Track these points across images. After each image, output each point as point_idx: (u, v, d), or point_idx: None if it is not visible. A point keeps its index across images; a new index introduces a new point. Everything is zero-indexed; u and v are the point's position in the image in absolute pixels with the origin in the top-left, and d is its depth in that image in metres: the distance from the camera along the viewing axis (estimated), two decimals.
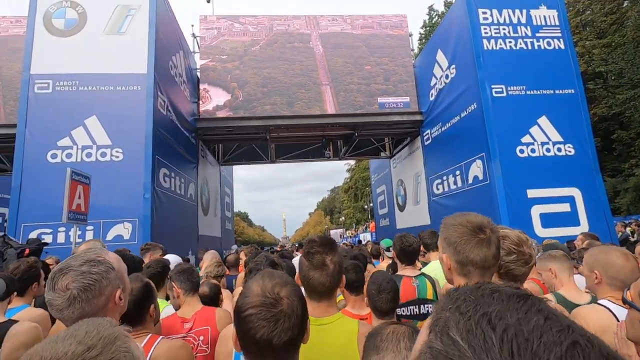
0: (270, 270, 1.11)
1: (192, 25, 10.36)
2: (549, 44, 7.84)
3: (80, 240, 5.34)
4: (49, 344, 0.58)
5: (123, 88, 6.46)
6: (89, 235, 5.67)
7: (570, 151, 7.27)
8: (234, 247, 12.51)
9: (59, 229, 5.65)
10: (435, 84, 9.36)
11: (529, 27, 7.88)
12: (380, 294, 1.88)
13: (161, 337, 1.68)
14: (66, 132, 6.12)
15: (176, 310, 2.36)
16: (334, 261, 1.44)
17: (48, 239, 5.47)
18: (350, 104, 10.19)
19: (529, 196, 6.93)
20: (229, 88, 10.16)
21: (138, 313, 1.64)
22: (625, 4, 20.10)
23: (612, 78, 19.25)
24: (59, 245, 5.50)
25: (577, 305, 1.97)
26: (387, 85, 10.60)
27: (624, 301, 1.26)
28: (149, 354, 1.54)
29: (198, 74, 9.89)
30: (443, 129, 9.04)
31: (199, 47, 10.13)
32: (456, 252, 1.27)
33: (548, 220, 6.81)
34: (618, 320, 1.54)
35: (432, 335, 0.38)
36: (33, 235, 5.49)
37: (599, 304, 1.73)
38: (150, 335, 1.66)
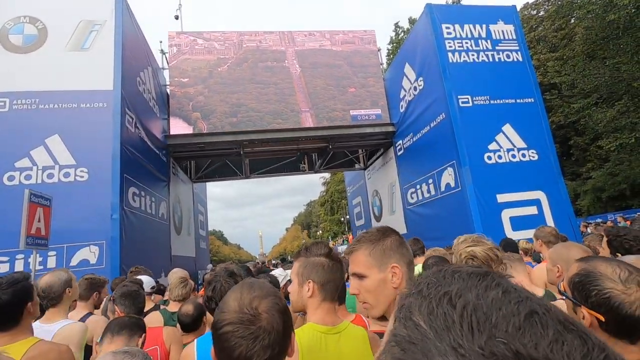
0: (249, 281, 1.03)
1: (161, 42, 10.16)
2: (508, 56, 8.31)
3: (42, 267, 4.98)
4: None
5: (88, 105, 6.20)
6: (51, 261, 5.30)
7: (533, 156, 7.65)
8: (209, 266, 12.11)
9: (17, 257, 5.24)
10: (405, 96, 9.65)
11: (489, 41, 8.33)
12: None
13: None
14: (24, 152, 5.76)
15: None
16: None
17: (4, 267, 5.07)
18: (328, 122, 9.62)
19: (498, 201, 7.19)
20: (190, 119, 8.74)
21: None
22: (573, 20, 21.79)
23: (566, 88, 20.64)
24: None
25: None
26: (376, 109, 9.86)
27: (559, 292, 1.31)
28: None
29: (168, 90, 9.68)
30: (414, 139, 9.28)
31: (167, 64, 9.90)
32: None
33: (517, 223, 7.06)
34: None
35: (397, 323, 0.37)
36: None
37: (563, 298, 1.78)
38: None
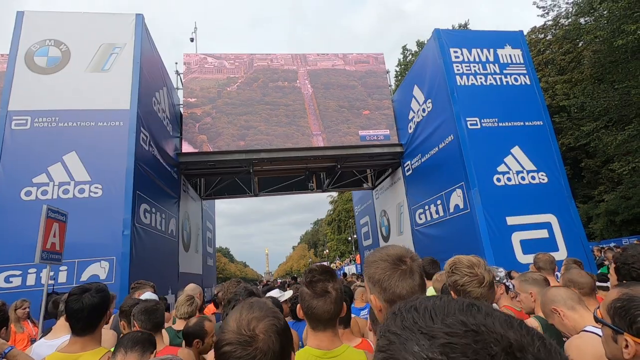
0: (250, 302, 1.07)
1: (176, 63, 10.52)
2: (516, 79, 8.40)
3: (53, 281, 5.05)
4: None
5: (105, 124, 6.42)
6: (62, 276, 5.37)
7: (543, 179, 7.60)
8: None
9: (29, 270, 5.32)
10: (413, 117, 9.75)
11: (497, 65, 8.46)
12: None
13: None
14: (42, 168, 5.94)
15: None
16: (335, 288, 1.45)
17: (17, 281, 5.15)
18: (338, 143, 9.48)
19: (508, 223, 7.11)
20: (196, 142, 8.43)
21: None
22: (580, 43, 21.96)
23: (575, 111, 20.57)
24: (28, 287, 5.17)
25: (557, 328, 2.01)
26: (391, 132, 9.59)
27: (596, 319, 1.26)
28: None
29: (181, 109, 9.94)
30: (423, 159, 9.31)
31: (182, 84, 10.19)
32: (382, 290, 1.15)
33: (528, 246, 6.95)
34: None
35: (378, 339, 0.48)
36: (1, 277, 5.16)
37: (585, 330, 1.71)
38: None
